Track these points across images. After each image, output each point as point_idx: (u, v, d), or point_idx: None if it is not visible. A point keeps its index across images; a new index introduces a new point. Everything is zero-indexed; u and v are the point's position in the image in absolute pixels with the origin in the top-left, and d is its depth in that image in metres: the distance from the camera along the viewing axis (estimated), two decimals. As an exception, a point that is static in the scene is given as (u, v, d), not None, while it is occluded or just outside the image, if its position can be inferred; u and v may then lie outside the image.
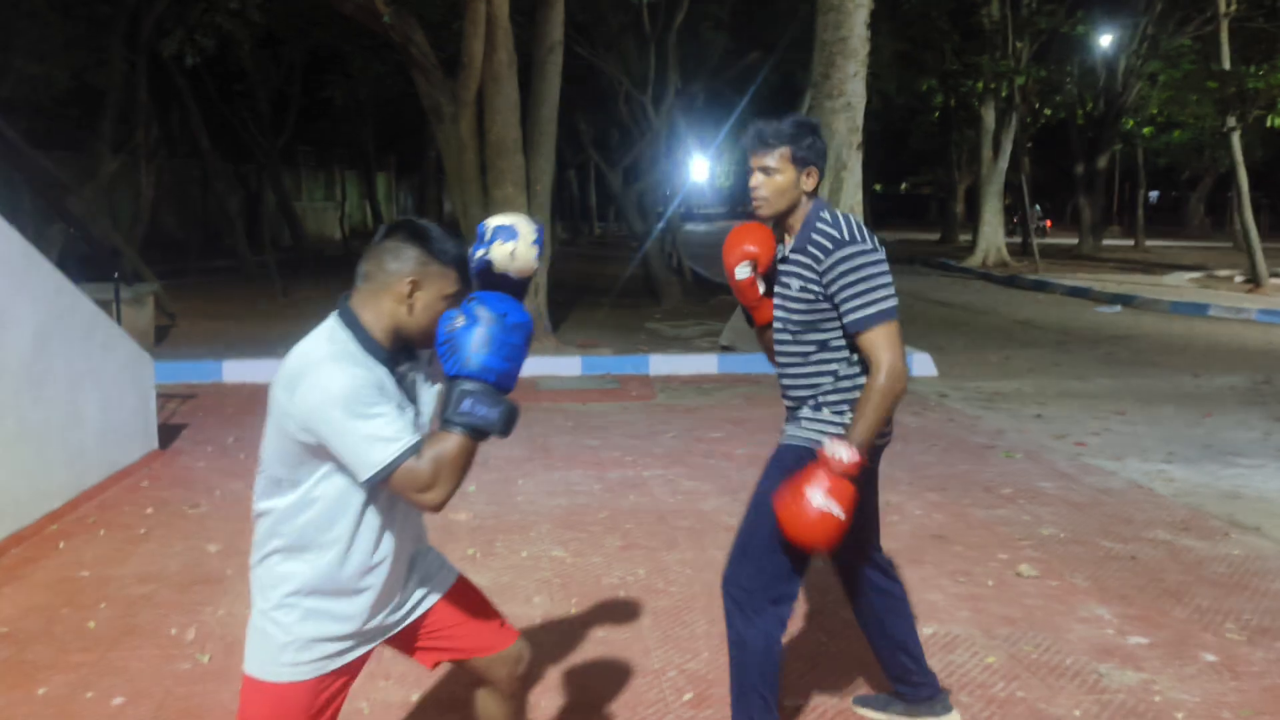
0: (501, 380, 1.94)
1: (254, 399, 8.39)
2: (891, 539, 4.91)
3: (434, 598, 2.26)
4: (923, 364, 9.96)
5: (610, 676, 3.51)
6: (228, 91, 20.77)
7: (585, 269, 21.54)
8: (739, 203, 62.30)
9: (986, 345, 11.83)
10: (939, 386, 9.16)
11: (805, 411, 2.76)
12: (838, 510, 2.49)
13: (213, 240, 25.01)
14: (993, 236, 23.85)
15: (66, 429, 5.37)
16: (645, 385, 9.14)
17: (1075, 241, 27.18)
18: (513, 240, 2.14)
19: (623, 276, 17.76)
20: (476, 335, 1.91)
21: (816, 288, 2.67)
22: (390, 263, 2.02)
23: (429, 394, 2.16)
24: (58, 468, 5.27)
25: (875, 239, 2.69)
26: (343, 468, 1.97)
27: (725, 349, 10.53)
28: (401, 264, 2.01)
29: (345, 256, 24.72)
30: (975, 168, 26.18)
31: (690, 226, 38.86)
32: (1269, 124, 18.46)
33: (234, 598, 4.20)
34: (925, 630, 3.92)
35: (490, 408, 1.92)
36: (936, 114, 29.57)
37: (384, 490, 2.00)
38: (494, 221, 2.18)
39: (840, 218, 2.69)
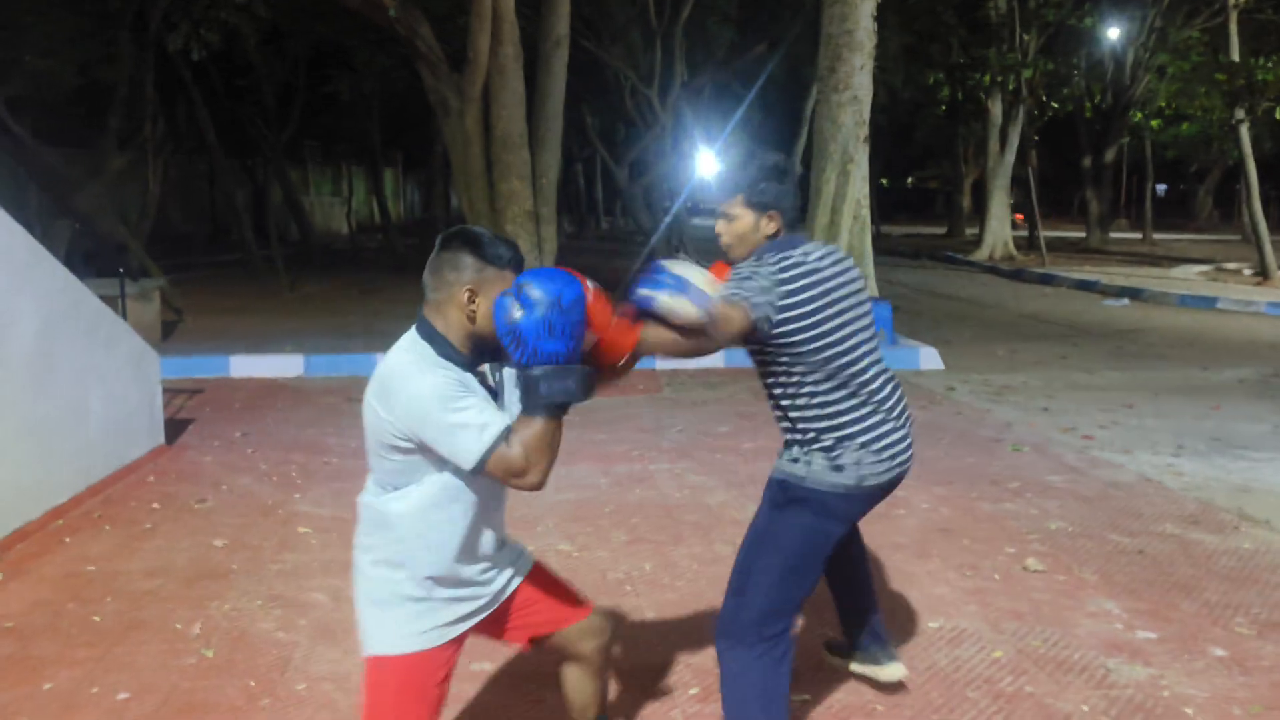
0: (570, 358, 2.03)
1: (261, 393, 8.40)
2: (898, 532, 4.90)
3: (518, 580, 2.43)
4: (929, 357, 9.93)
5: (616, 671, 3.50)
6: (233, 86, 20.77)
7: (592, 264, 21.51)
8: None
9: (993, 339, 11.79)
10: (946, 380, 9.13)
11: (786, 442, 2.74)
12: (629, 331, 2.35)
13: (219, 235, 25.06)
14: (999, 230, 23.79)
15: (72, 424, 5.37)
16: (652, 379, 9.13)
17: (1083, 235, 27.10)
18: (683, 294, 2.34)
19: (629, 271, 17.74)
20: (537, 323, 1.98)
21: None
22: (449, 274, 2.14)
23: (512, 386, 2.29)
24: (63, 463, 5.28)
25: (780, 266, 2.58)
26: (443, 464, 2.12)
27: (731, 343, 10.50)
28: (459, 273, 2.13)
29: (352, 251, 24.76)
30: (982, 161, 26.13)
31: (697, 221, 38.83)
32: (1278, 116, 18.36)
33: (240, 593, 4.20)
34: (931, 624, 3.91)
35: (564, 381, 2.01)
36: (943, 107, 29.47)
37: (483, 480, 2.15)
38: (674, 268, 2.39)
39: (769, 259, 2.60)
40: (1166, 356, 10.47)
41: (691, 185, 20.77)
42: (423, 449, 2.10)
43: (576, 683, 2.56)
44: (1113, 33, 22.60)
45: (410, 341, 2.17)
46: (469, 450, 2.03)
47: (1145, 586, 4.28)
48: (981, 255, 23.31)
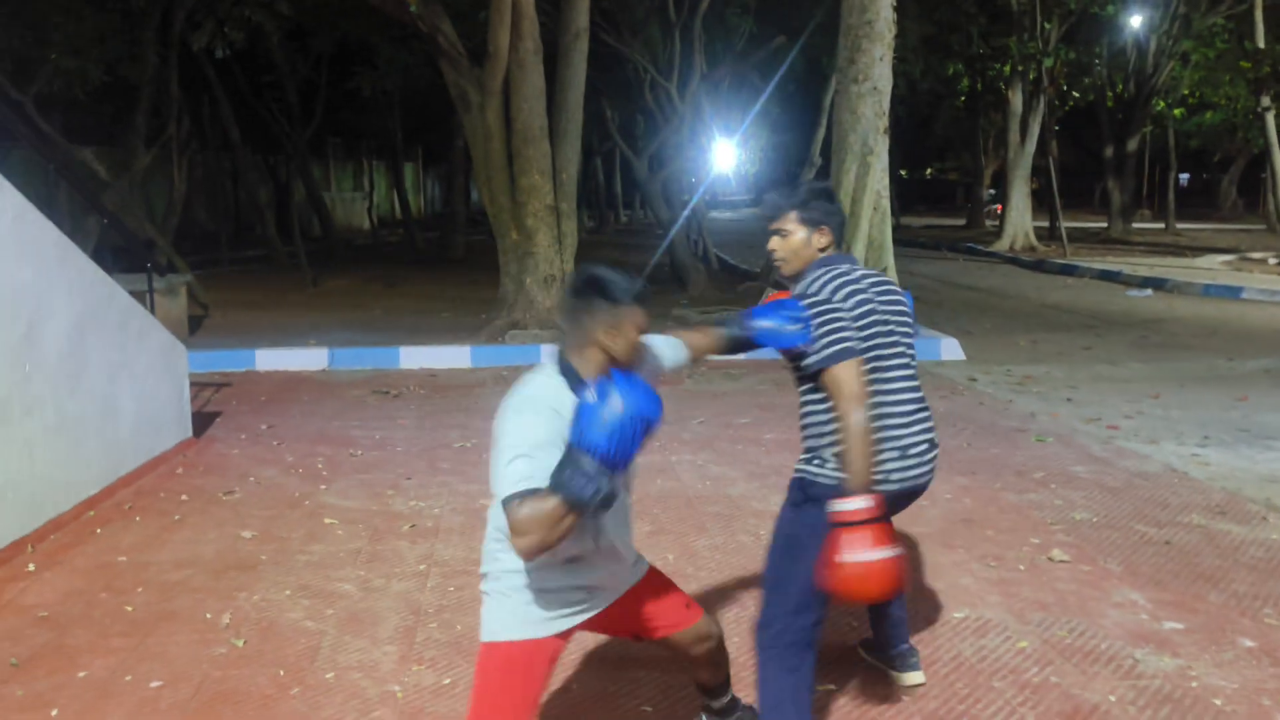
0: (608, 462, 2.08)
1: (286, 387, 8.47)
2: (921, 523, 4.90)
3: (631, 582, 2.58)
4: (950, 348, 9.90)
5: (639, 662, 3.52)
6: (257, 84, 20.88)
7: (612, 256, 21.53)
8: (764, 189, 62.19)
9: (1015, 329, 11.73)
10: (967, 370, 9.10)
11: (807, 450, 2.85)
12: (874, 556, 2.54)
13: (244, 231, 25.23)
14: (1020, 221, 23.62)
15: (103, 418, 5.44)
16: (673, 370, 9.13)
17: (1104, 225, 26.87)
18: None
19: (649, 264, 17.74)
20: (600, 415, 2.08)
21: None
22: (585, 319, 2.31)
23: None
24: (95, 455, 5.35)
25: (840, 295, 2.75)
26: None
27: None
28: (595, 318, 2.30)
29: (374, 246, 24.88)
30: (1002, 152, 25.93)
31: (715, 214, 38.74)
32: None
33: (268, 584, 4.25)
34: (956, 615, 3.91)
35: (586, 485, 2.06)
36: (962, 98, 29.28)
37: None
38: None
39: (825, 279, 2.78)
40: (1191, 347, 10.39)
41: (710, 178, 20.73)
42: None
43: (695, 667, 2.79)
44: (1135, 20, 22.35)
45: (549, 374, 2.33)
46: (501, 487, 2.14)
47: (1172, 577, 4.26)
48: (1002, 246, 23.16)
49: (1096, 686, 3.33)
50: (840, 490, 2.63)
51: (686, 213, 17.09)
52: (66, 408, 5.06)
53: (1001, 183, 26.57)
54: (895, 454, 2.76)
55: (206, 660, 3.57)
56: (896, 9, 10.87)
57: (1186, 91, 26.09)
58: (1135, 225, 28.15)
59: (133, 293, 6.10)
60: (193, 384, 6.97)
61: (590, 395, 2.11)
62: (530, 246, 10.80)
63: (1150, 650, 3.58)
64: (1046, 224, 25.45)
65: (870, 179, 11.01)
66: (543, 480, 2.10)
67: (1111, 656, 3.54)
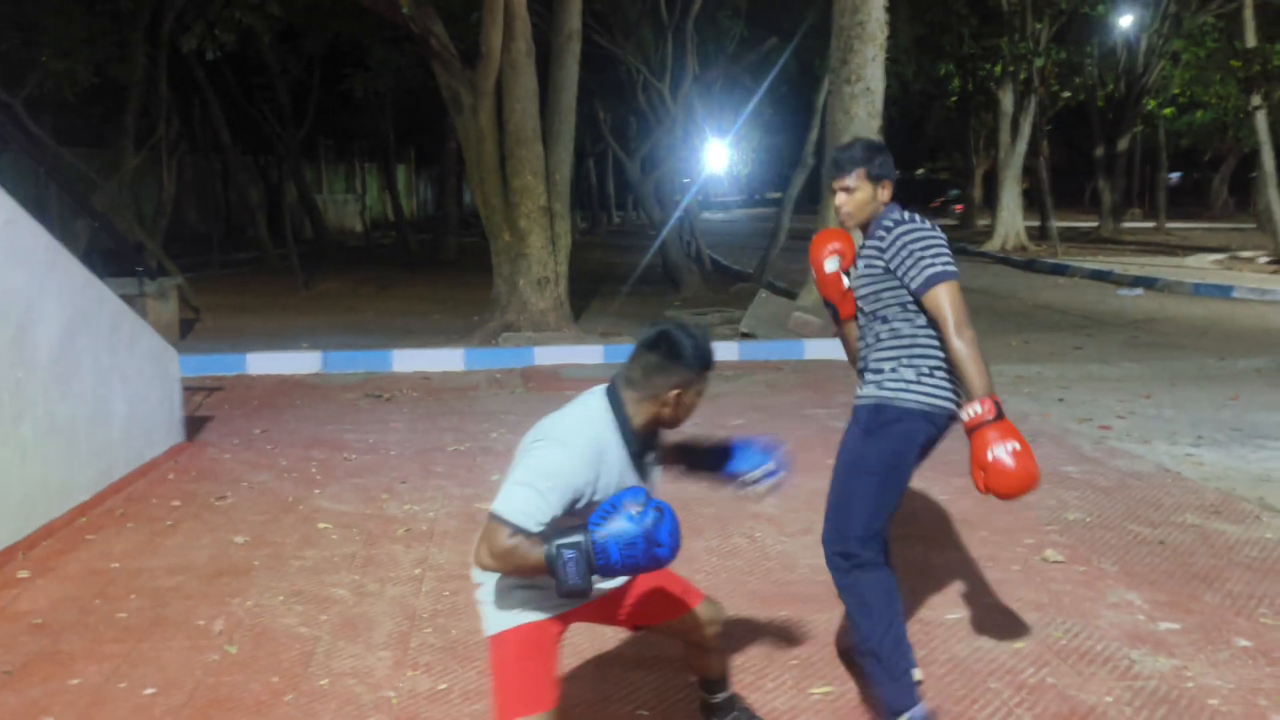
0: (606, 570, 2.18)
1: (279, 390, 8.45)
2: (916, 524, 4.90)
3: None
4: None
5: (637, 664, 3.51)
6: (247, 85, 20.83)
7: (605, 258, 21.55)
8: (756, 190, 62.12)
9: (1006, 329, 11.75)
10: (962, 372, 9.10)
11: (886, 373, 3.04)
12: (1017, 445, 2.73)
13: (234, 234, 25.16)
14: (1011, 221, 23.67)
15: (94, 423, 5.41)
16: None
17: (1095, 225, 26.95)
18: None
19: (642, 265, 17.75)
20: (627, 529, 2.17)
21: (880, 263, 3.04)
22: (657, 377, 2.38)
23: (658, 476, 2.62)
24: (86, 461, 5.32)
25: (934, 225, 3.06)
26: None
27: (746, 336, 10.51)
28: (668, 379, 2.37)
29: (366, 248, 24.84)
30: (993, 152, 25.99)
31: (708, 215, 38.79)
32: (1295, 102, 18.23)
33: (261, 589, 4.23)
34: (951, 616, 3.91)
35: (574, 574, 2.15)
36: (954, 99, 29.35)
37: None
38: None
39: (904, 212, 3.07)
40: (1183, 346, 10.42)
41: (702, 179, 20.73)
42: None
43: (695, 658, 2.81)
44: (1125, 20, 22.42)
45: (601, 407, 2.39)
46: (501, 502, 2.22)
47: (1166, 577, 4.26)
48: (993, 246, 23.21)
49: (1093, 687, 3.33)
50: (915, 405, 2.93)
51: (679, 213, 17.10)
52: (57, 413, 5.03)
53: (991, 182, 26.63)
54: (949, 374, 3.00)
55: (200, 667, 3.55)
56: (888, 10, 10.88)
57: (1177, 91, 26.16)
58: (1126, 224, 28.25)
59: (123, 296, 6.08)
60: (184, 388, 6.93)
61: (634, 506, 2.18)
62: (523, 248, 10.79)
63: (1146, 650, 3.58)
64: (1038, 223, 25.51)
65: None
66: (539, 520, 2.18)
67: (1108, 657, 3.54)
